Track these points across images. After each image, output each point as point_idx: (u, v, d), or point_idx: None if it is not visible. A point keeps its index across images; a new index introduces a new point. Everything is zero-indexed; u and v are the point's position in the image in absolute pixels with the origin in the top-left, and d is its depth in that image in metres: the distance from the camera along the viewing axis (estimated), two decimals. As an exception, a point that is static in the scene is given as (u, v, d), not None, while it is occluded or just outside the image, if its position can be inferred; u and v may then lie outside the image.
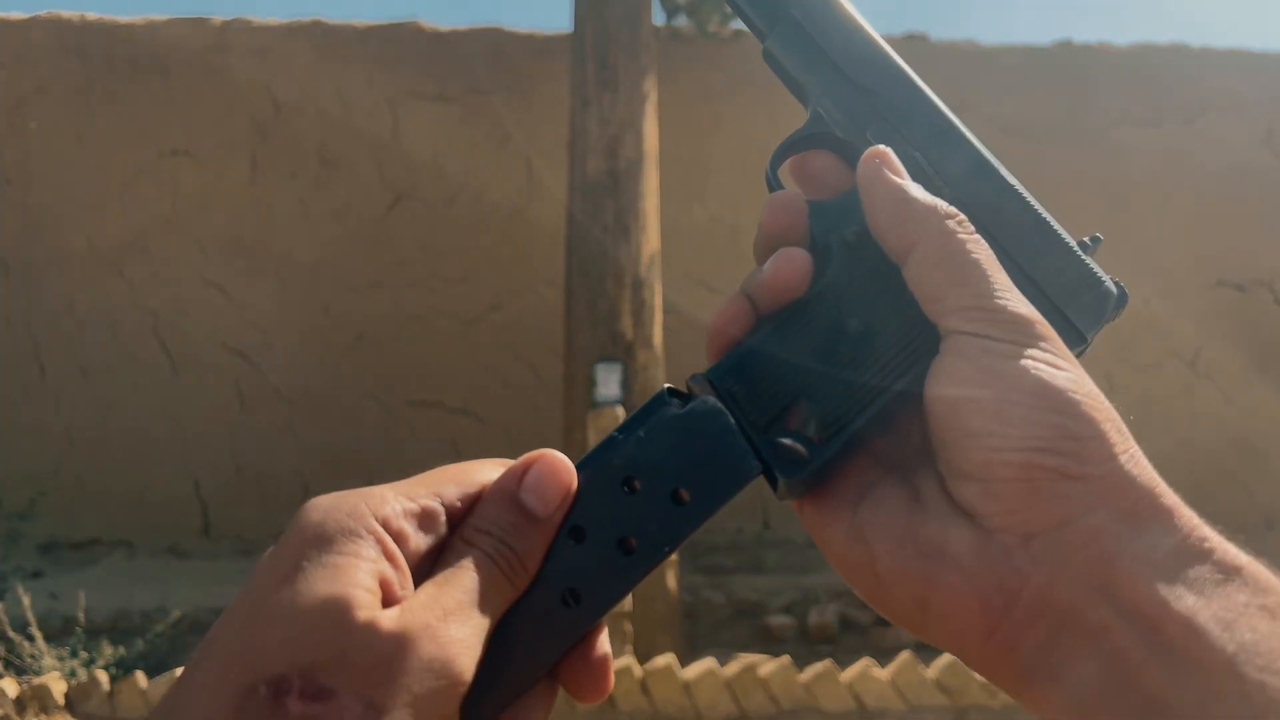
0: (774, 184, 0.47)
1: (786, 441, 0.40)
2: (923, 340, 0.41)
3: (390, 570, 0.34)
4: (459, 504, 0.38)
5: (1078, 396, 0.37)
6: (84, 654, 3.83)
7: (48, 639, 3.95)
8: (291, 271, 6.18)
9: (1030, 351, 0.38)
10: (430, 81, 6.14)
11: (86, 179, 6.12)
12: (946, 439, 0.38)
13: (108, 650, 3.83)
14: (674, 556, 4.27)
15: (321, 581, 0.32)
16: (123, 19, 6.12)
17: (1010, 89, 6.24)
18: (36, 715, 3.28)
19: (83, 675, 3.57)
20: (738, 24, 6.14)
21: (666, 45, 5.87)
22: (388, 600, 0.33)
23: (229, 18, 6.15)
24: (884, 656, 3.57)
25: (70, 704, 3.38)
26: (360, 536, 0.34)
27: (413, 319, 6.20)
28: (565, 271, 4.50)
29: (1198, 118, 6.33)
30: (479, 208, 6.14)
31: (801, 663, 3.54)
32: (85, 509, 6.05)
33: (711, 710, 3.41)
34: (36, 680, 3.39)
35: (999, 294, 0.39)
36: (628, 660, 3.53)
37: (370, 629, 0.31)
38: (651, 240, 4.60)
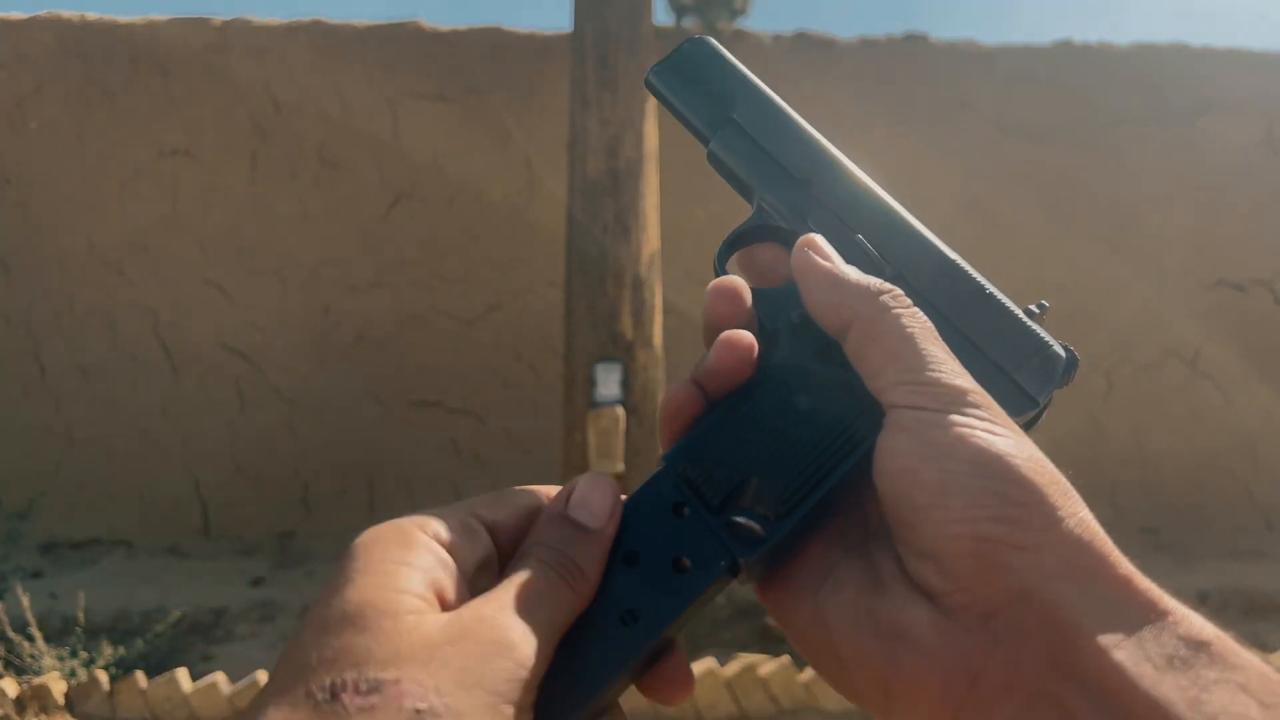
0: (720, 271, 0.49)
1: (740, 520, 0.40)
2: (871, 417, 0.41)
3: (445, 577, 0.35)
4: (498, 522, 0.40)
5: (1016, 461, 0.36)
6: (84, 654, 3.83)
7: (48, 639, 3.95)
8: (291, 271, 6.18)
9: (966, 420, 0.38)
10: (430, 81, 6.13)
11: (86, 179, 6.12)
12: (896, 515, 0.38)
13: (108, 650, 3.83)
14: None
15: (372, 587, 0.33)
16: (123, 19, 6.12)
17: (1010, 89, 6.23)
18: (36, 715, 3.28)
19: (83, 675, 3.57)
20: (743, 23, 6.16)
21: (667, 45, 5.86)
22: (444, 606, 0.34)
23: (229, 18, 6.14)
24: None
25: (70, 704, 3.38)
26: (411, 547, 0.36)
27: (413, 319, 6.20)
28: (565, 271, 4.50)
29: (1198, 118, 6.33)
30: (479, 208, 6.14)
31: (801, 663, 3.54)
32: (85, 509, 6.05)
33: (711, 710, 3.41)
34: (36, 680, 3.39)
35: (933, 366, 0.40)
36: (628, 660, 3.53)
37: (423, 623, 0.32)
38: (651, 240, 4.60)
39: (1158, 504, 6.17)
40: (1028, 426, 0.44)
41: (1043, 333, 0.45)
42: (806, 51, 6.20)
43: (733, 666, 3.51)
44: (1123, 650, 0.33)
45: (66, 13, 6.15)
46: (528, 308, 6.16)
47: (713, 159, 0.52)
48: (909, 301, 0.42)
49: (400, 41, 6.13)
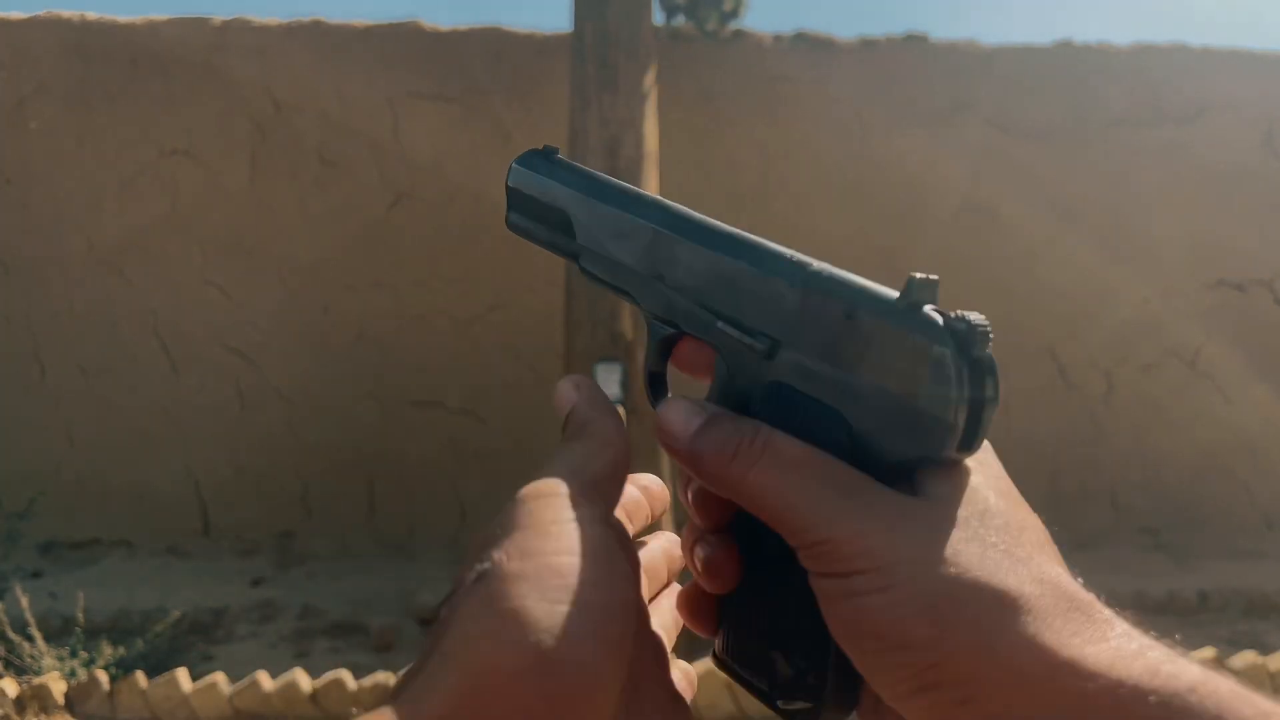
0: (651, 398, 0.48)
1: (789, 708, 0.39)
2: None
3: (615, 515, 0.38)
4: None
5: (910, 623, 0.34)
6: (84, 654, 3.83)
7: (48, 639, 3.95)
8: (291, 271, 6.18)
9: (853, 585, 0.35)
10: (430, 81, 6.13)
11: (86, 179, 6.12)
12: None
13: (108, 650, 3.83)
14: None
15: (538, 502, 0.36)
16: (123, 19, 6.12)
17: (1010, 89, 6.23)
18: (36, 715, 3.28)
19: (83, 675, 3.57)
20: (737, 24, 6.16)
21: (666, 45, 5.86)
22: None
23: (229, 18, 6.14)
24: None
25: (70, 704, 3.38)
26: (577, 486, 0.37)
27: (413, 319, 6.20)
28: (565, 271, 4.50)
29: (1198, 118, 6.33)
30: (479, 208, 6.13)
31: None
32: (85, 509, 6.05)
33: (711, 710, 3.41)
34: (36, 680, 3.39)
35: (810, 527, 0.36)
36: (628, 660, 3.53)
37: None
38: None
39: (1158, 504, 6.17)
40: (972, 433, 0.37)
41: (918, 329, 0.37)
42: (806, 51, 6.20)
43: (733, 666, 3.51)
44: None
45: (66, 13, 6.15)
46: (528, 308, 6.16)
47: (589, 277, 0.51)
48: (760, 444, 0.38)
49: (400, 41, 6.13)
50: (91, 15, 6.14)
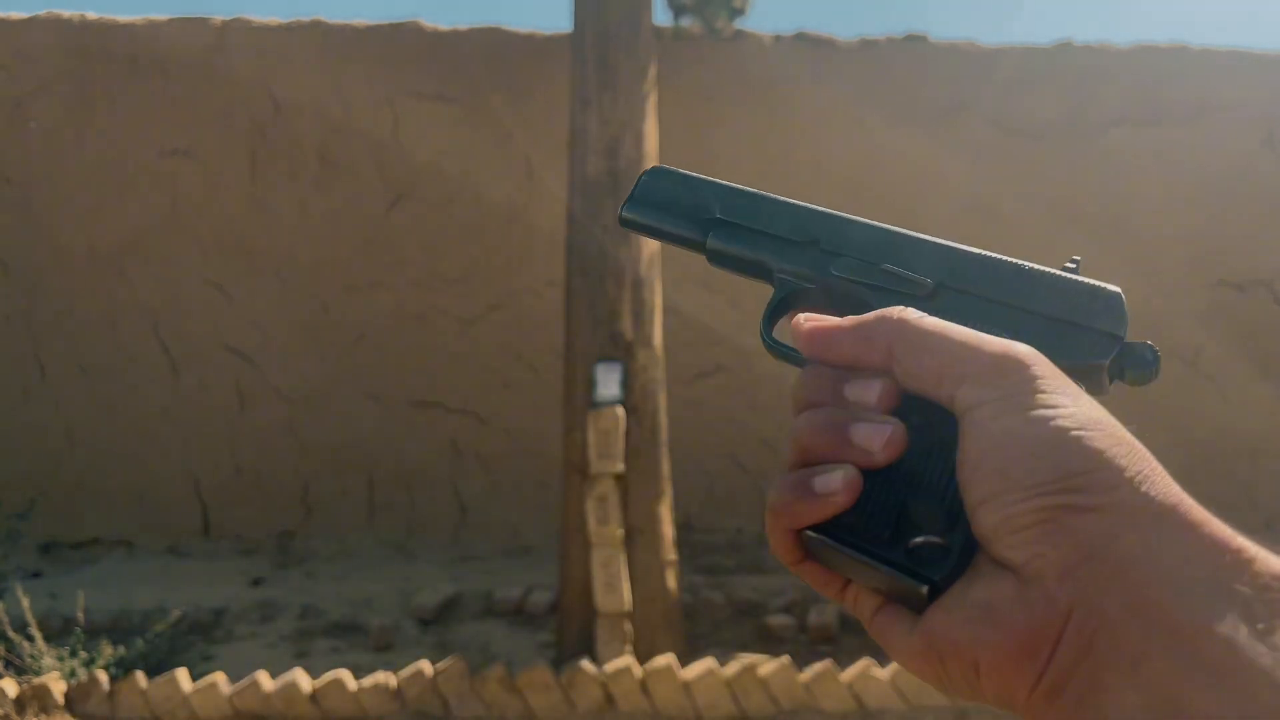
0: (775, 347, 0.52)
1: (919, 540, 0.40)
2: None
3: None
4: None
5: (1075, 432, 0.37)
6: (84, 654, 3.83)
7: (48, 639, 3.95)
8: (291, 271, 6.18)
9: (1019, 399, 0.39)
10: (430, 81, 6.13)
11: (86, 179, 6.12)
12: (971, 508, 0.39)
13: (108, 650, 3.83)
14: (673, 556, 4.27)
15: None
16: (123, 19, 6.12)
17: (1010, 89, 6.23)
18: (36, 715, 3.28)
19: (83, 675, 3.57)
20: (743, 23, 6.16)
21: (667, 45, 5.86)
22: None
23: (229, 18, 6.14)
24: (884, 656, 3.57)
25: (70, 704, 3.38)
26: None
27: (413, 319, 6.19)
28: (565, 271, 4.49)
29: (1198, 118, 6.33)
30: (479, 208, 6.14)
31: (801, 663, 3.54)
32: (85, 509, 6.05)
33: (711, 710, 3.41)
34: (36, 680, 3.39)
35: (971, 348, 0.41)
36: (628, 660, 3.54)
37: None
38: (651, 241, 4.58)
39: (1158, 504, 6.16)
40: (1122, 365, 0.48)
41: (1092, 281, 0.48)
42: (806, 51, 6.20)
43: (733, 666, 3.52)
44: (1193, 592, 0.34)
45: (66, 13, 6.15)
46: (528, 308, 6.16)
47: (713, 256, 0.56)
48: (917, 312, 0.43)
49: (400, 41, 6.13)
50: (91, 15, 6.14)
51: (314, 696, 3.40)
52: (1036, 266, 0.48)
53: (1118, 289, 0.48)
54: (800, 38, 6.22)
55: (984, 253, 0.49)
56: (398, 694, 3.44)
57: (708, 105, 6.08)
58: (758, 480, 6.17)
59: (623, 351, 4.22)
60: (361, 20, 6.18)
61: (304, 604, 5.05)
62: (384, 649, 4.53)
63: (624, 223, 0.59)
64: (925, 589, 0.39)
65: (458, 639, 4.65)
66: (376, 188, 6.17)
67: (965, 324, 0.44)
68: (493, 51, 6.10)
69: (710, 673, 3.44)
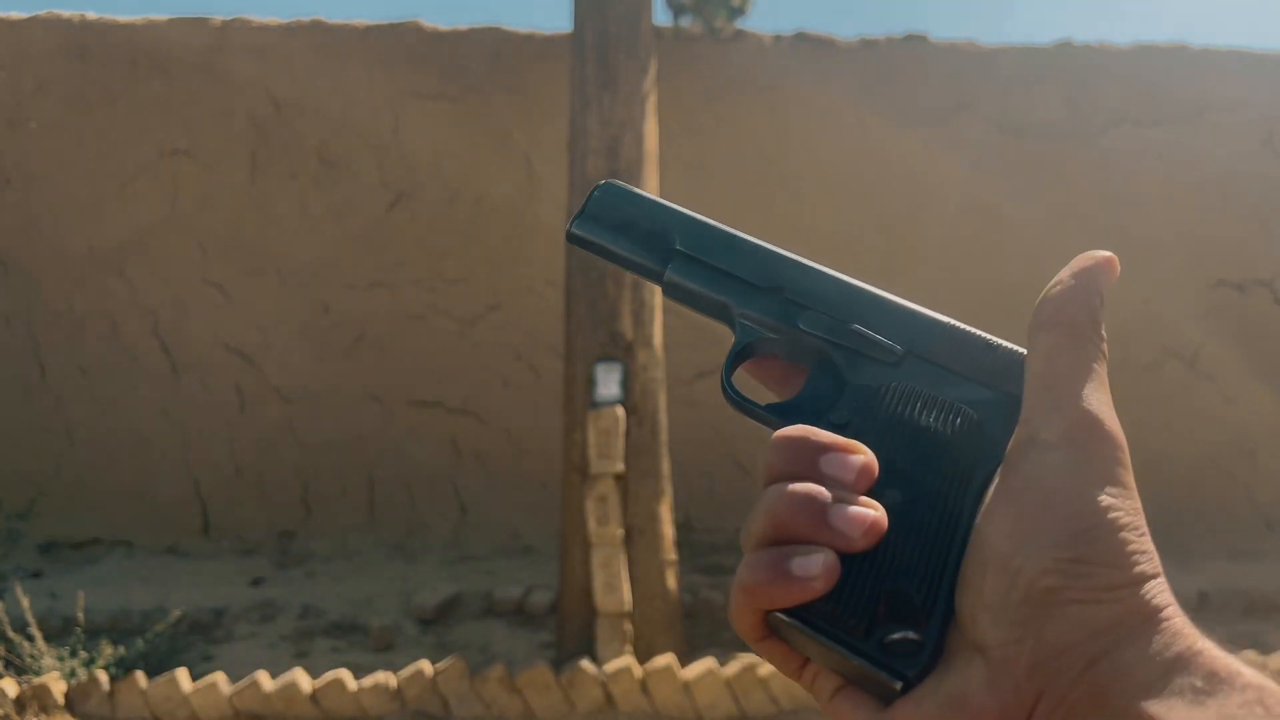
0: (737, 400, 0.49)
1: (895, 636, 0.39)
2: (958, 479, 0.42)
3: None
4: None
5: (1122, 532, 0.36)
6: (84, 654, 3.83)
7: (48, 639, 3.95)
8: (291, 271, 6.18)
9: (1098, 470, 0.37)
10: (430, 81, 6.13)
11: (86, 179, 6.12)
12: (977, 563, 0.38)
13: (108, 650, 3.83)
14: (673, 556, 4.27)
15: None
16: (123, 19, 6.12)
17: (1010, 89, 6.23)
18: (36, 715, 3.28)
19: (83, 675, 3.57)
20: (743, 23, 6.16)
21: (667, 45, 5.86)
22: None
23: (229, 18, 6.14)
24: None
25: (70, 704, 3.38)
26: None
27: (413, 319, 6.20)
28: (565, 271, 4.49)
29: (1198, 118, 6.33)
30: (479, 208, 6.14)
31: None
32: (85, 509, 6.05)
33: (711, 710, 3.41)
34: (36, 680, 3.39)
35: (1094, 400, 0.40)
36: (628, 660, 3.53)
37: None
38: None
39: (1158, 504, 6.14)
40: None
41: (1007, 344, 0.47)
42: (806, 51, 6.20)
43: (733, 666, 3.52)
44: (1153, 691, 0.33)
45: (66, 13, 6.15)
46: (528, 308, 6.16)
47: (670, 289, 0.52)
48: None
49: (400, 41, 6.13)
50: (91, 15, 6.14)
51: (314, 696, 3.40)
52: (1002, 343, 0.47)
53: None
54: (800, 38, 6.22)
55: (951, 322, 0.48)
56: (398, 694, 3.44)
57: (708, 105, 6.08)
58: (758, 480, 6.17)
59: (623, 351, 4.22)
60: (361, 20, 6.18)
61: (304, 604, 5.05)
62: (384, 649, 4.53)
63: (573, 239, 0.55)
64: (899, 685, 0.38)
65: (458, 639, 4.65)
66: (376, 188, 6.17)
67: (925, 405, 0.44)
68: (493, 51, 6.11)
69: (710, 673, 3.44)
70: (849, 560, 0.40)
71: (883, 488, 0.42)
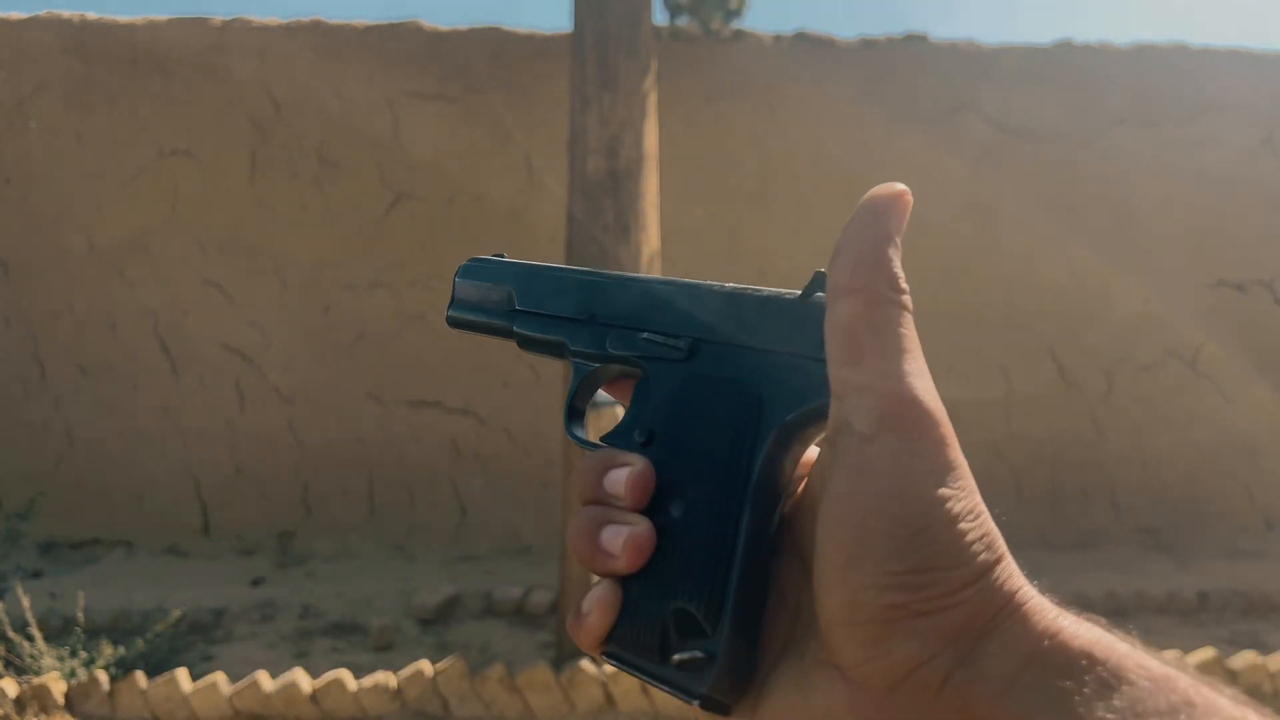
0: (572, 436, 0.52)
1: (683, 656, 0.39)
2: (735, 474, 0.41)
3: None
4: None
5: (960, 524, 0.34)
6: (84, 654, 3.82)
7: (48, 639, 3.95)
8: (291, 271, 6.18)
9: (928, 460, 0.35)
10: (430, 81, 6.13)
11: (86, 179, 6.12)
12: (821, 577, 0.36)
13: (108, 650, 3.83)
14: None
15: None
16: (123, 19, 6.12)
17: (1010, 89, 6.23)
18: (36, 715, 3.28)
19: (83, 675, 3.57)
20: (740, 22, 6.16)
21: (667, 45, 5.86)
22: None
23: (229, 18, 6.14)
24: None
25: (70, 704, 3.38)
26: None
27: (413, 319, 6.19)
28: (565, 271, 4.49)
29: (1198, 118, 6.33)
30: (479, 208, 6.14)
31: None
32: (85, 509, 6.05)
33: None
34: (36, 680, 3.39)
35: (905, 374, 0.36)
36: (628, 660, 3.53)
37: None
38: (651, 240, 4.59)
39: (1158, 504, 6.17)
40: None
41: (819, 306, 0.42)
42: (806, 51, 6.20)
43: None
44: (1010, 693, 0.32)
45: (66, 13, 6.15)
46: (528, 308, 6.15)
47: (522, 343, 0.57)
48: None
49: (400, 41, 6.13)
50: (91, 15, 6.14)
51: (314, 696, 3.40)
52: (775, 294, 0.45)
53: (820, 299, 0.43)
54: (800, 38, 6.22)
55: (730, 290, 0.47)
56: (398, 694, 3.44)
57: (708, 105, 6.08)
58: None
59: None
60: (361, 20, 6.18)
61: (304, 604, 5.05)
62: (384, 649, 4.53)
63: (452, 324, 0.61)
64: (696, 703, 0.38)
65: (458, 639, 4.65)
66: (376, 188, 6.17)
67: (709, 393, 0.44)
68: (493, 51, 6.10)
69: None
70: (634, 583, 0.40)
71: (666, 501, 0.41)
